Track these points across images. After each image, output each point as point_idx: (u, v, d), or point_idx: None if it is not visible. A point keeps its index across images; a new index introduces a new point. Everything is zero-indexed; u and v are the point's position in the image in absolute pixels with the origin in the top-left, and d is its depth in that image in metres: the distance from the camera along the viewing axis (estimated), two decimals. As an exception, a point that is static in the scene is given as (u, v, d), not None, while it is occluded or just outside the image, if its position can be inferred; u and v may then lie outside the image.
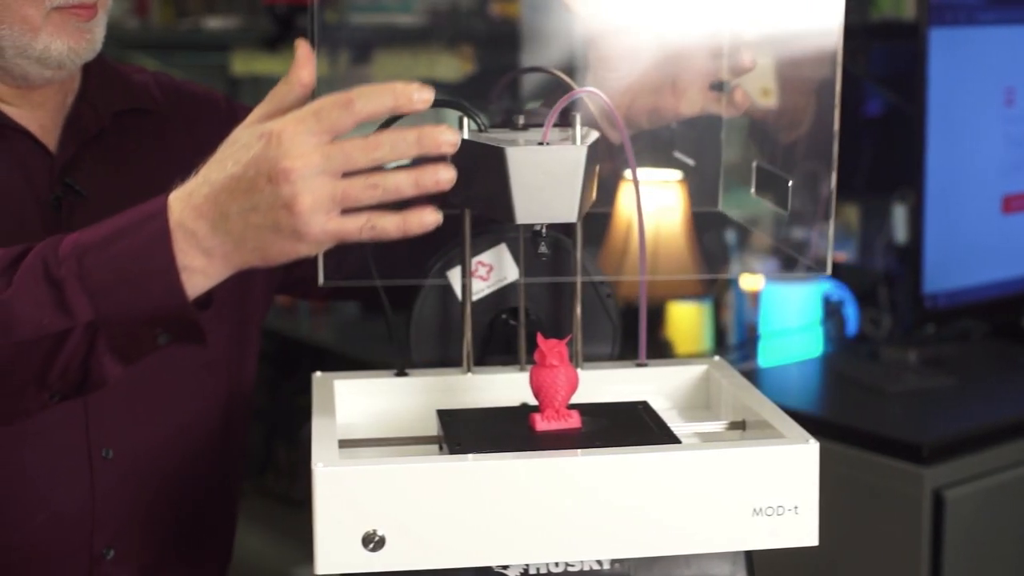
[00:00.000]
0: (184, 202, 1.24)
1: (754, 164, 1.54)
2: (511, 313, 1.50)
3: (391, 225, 1.22)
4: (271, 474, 4.22)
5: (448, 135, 1.22)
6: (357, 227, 1.21)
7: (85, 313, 1.26)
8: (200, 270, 1.25)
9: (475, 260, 1.48)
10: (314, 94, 1.35)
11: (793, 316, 2.90)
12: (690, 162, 1.58)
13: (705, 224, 1.70)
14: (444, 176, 1.22)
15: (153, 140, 1.67)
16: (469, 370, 1.45)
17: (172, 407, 1.63)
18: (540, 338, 1.29)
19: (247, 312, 1.71)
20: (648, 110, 1.54)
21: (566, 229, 1.43)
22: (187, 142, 1.62)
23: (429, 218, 1.23)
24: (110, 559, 1.60)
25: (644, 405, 1.38)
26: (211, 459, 1.70)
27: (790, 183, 1.44)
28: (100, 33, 1.54)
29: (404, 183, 1.22)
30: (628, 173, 1.40)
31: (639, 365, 1.49)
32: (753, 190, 1.55)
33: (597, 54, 1.49)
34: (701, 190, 1.67)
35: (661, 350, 2.91)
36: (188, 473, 1.67)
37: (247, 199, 1.21)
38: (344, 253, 1.29)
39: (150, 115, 1.68)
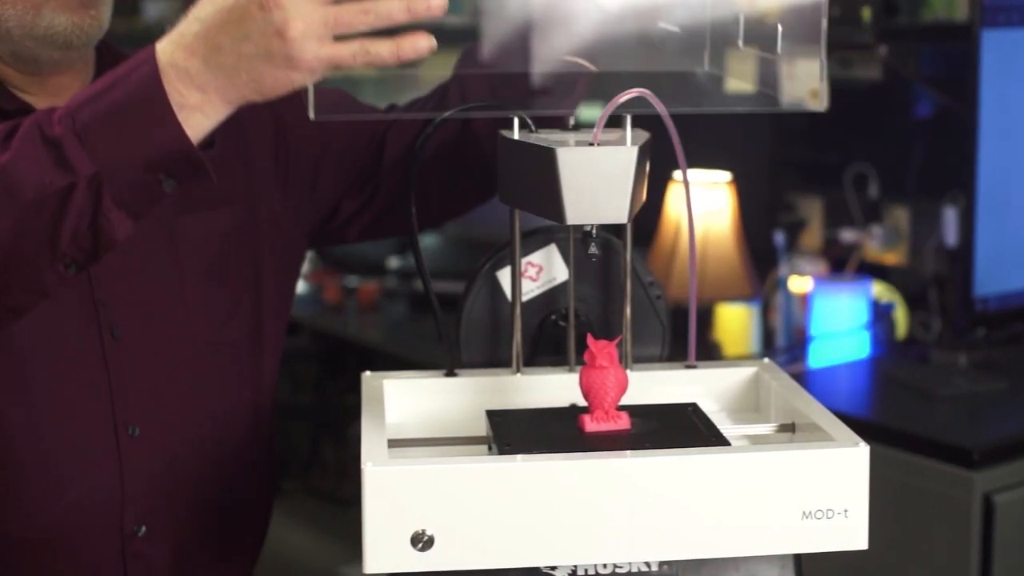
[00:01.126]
0: (175, 43, 1.26)
1: (740, 15, 1.51)
2: (560, 314, 1.50)
3: (385, 51, 1.25)
4: (317, 473, 4.23)
5: None
6: (350, 53, 1.24)
7: (85, 167, 1.26)
8: (197, 107, 1.26)
9: (525, 260, 1.49)
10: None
11: (842, 318, 2.89)
12: (675, 30, 1.56)
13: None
14: (436, 1, 1.25)
15: None
16: (518, 371, 1.46)
17: (194, 387, 1.64)
18: (590, 339, 1.29)
19: (262, 296, 1.71)
20: None
21: (616, 230, 1.43)
22: None
23: (423, 43, 1.26)
24: (142, 536, 1.61)
25: (693, 407, 1.38)
26: (239, 443, 1.70)
27: (779, 26, 1.42)
28: (105, 12, 1.53)
29: (396, 8, 1.25)
30: (678, 174, 1.40)
31: (688, 367, 1.48)
32: (740, 41, 1.52)
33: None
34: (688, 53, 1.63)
35: (710, 352, 2.91)
36: (216, 454, 1.67)
37: (239, 29, 1.22)
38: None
39: None
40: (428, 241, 3.89)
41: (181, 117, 1.25)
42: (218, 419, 1.67)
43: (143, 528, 1.61)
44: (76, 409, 1.56)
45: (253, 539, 1.80)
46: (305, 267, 4.07)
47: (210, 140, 1.30)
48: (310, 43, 1.21)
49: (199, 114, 1.26)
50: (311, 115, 1.30)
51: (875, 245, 3.25)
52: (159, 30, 1.56)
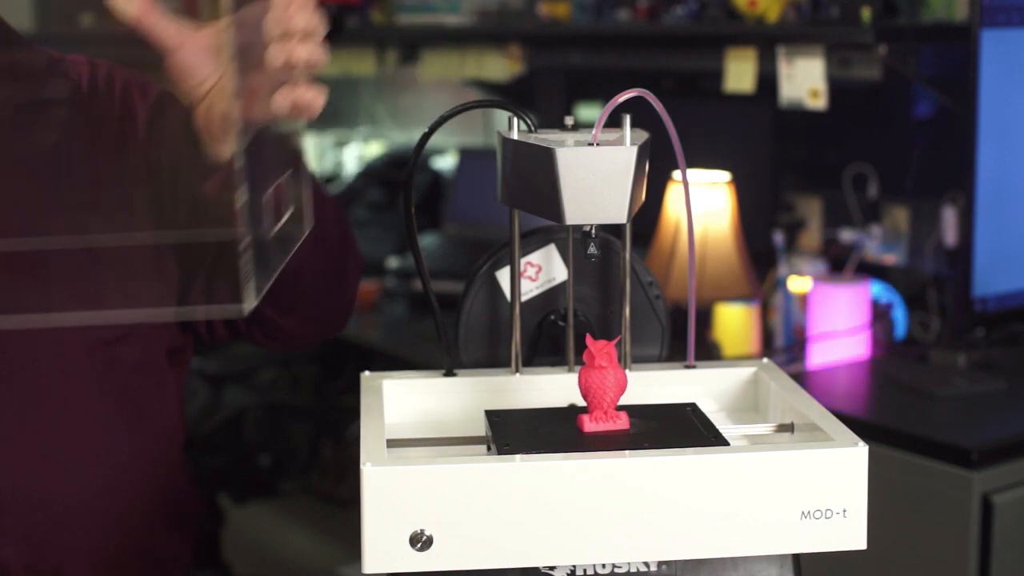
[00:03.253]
0: None
1: None
2: (560, 314, 1.50)
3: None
4: (316, 473, 4.23)
5: None
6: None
7: None
8: None
9: (524, 260, 1.49)
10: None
11: (841, 318, 2.89)
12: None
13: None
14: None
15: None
16: (517, 371, 1.46)
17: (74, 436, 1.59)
18: (589, 339, 1.30)
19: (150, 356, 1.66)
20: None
21: (615, 230, 1.43)
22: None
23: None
24: None
25: (693, 407, 1.38)
26: (133, 494, 1.65)
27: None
28: None
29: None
30: (677, 174, 1.40)
31: (687, 367, 1.49)
32: None
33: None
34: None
35: (709, 352, 2.91)
36: (107, 508, 1.62)
37: None
38: None
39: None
40: (427, 241, 3.89)
41: None
42: (103, 478, 1.61)
43: None
44: None
45: None
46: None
47: None
48: None
49: None
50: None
51: (874, 245, 3.25)
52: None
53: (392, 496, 1.18)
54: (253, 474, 4.05)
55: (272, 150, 1.38)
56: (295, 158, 1.44)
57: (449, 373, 1.47)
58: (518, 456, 1.22)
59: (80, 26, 4.96)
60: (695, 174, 3.01)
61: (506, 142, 1.34)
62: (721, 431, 1.30)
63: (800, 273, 3.11)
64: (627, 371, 1.35)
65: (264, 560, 4.11)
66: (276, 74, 1.32)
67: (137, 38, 1.38)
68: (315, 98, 1.34)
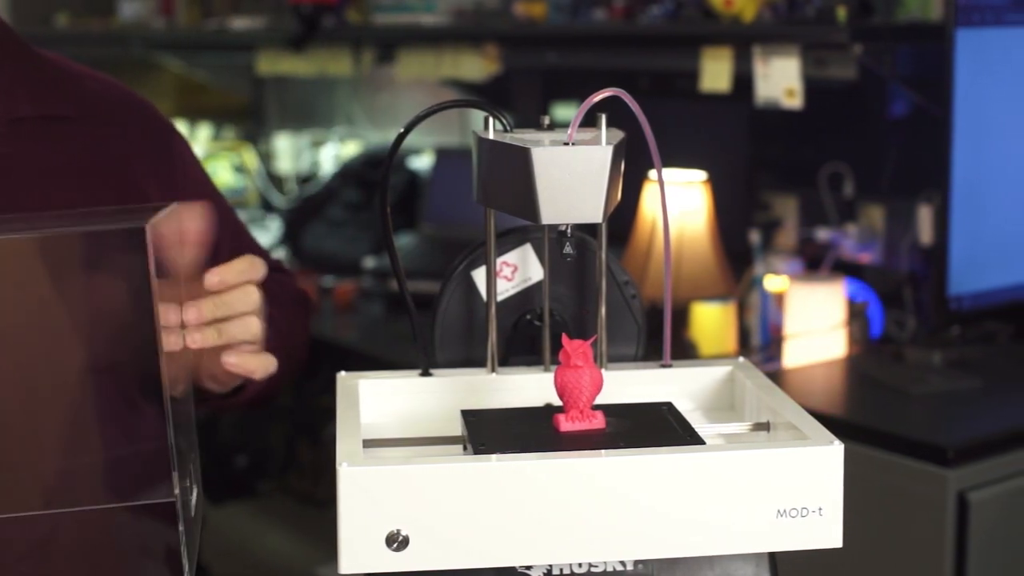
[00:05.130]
0: None
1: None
2: (536, 313, 1.50)
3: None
4: (294, 474, 4.22)
5: None
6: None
7: None
8: None
9: (500, 260, 1.49)
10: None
11: (817, 317, 2.89)
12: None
13: None
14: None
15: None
16: (493, 370, 1.46)
17: None
18: (565, 339, 1.29)
19: None
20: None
21: (591, 229, 1.43)
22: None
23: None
24: None
25: (668, 406, 1.38)
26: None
27: None
28: None
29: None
30: (653, 174, 1.40)
31: (663, 366, 1.49)
32: None
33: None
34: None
35: (685, 351, 2.91)
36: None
37: None
38: None
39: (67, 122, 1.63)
40: (403, 241, 3.89)
41: None
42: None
43: None
44: None
45: None
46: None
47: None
48: None
49: None
50: None
51: (850, 244, 3.25)
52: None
53: (368, 496, 1.18)
54: (230, 475, 4.05)
55: None
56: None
57: (425, 373, 1.47)
58: (494, 456, 1.22)
59: (55, 26, 4.95)
60: (671, 173, 3.01)
61: (482, 142, 1.34)
62: (697, 430, 1.30)
63: (776, 272, 3.12)
64: (603, 370, 1.35)
65: (242, 561, 4.10)
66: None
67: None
68: (255, 370, 1.48)
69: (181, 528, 1.37)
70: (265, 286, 1.53)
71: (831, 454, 1.23)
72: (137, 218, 1.31)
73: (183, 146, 1.74)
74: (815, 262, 3.23)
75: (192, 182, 1.73)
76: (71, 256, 1.36)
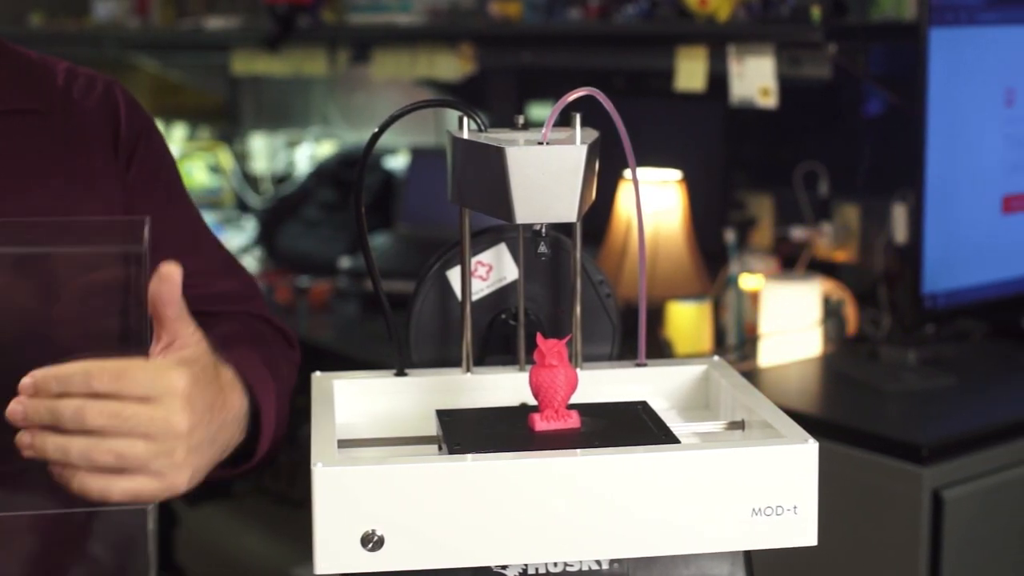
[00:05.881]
0: None
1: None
2: (510, 313, 1.50)
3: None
4: (269, 474, 4.21)
5: None
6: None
7: None
8: None
9: (475, 260, 1.48)
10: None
11: (793, 316, 2.90)
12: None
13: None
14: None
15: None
16: (468, 370, 1.46)
17: None
18: (540, 338, 1.29)
19: None
20: None
21: (566, 229, 1.43)
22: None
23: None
24: None
25: (643, 405, 1.38)
26: None
27: None
28: None
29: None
30: (628, 173, 1.40)
31: (638, 365, 1.49)
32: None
33: None
34: None
35: (661, 350, 2.91)
36: None
37: None
38: None
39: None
40: (378, 241, 3.89)
41: None
42: None
43: None
44: None
45: None
46: (256, 267, 4.07)
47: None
48: None
49: None
50: None
51: (825, 243, 3.26)
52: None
53: (343, 496, 1.18)
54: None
55: None
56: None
57: (400, 373, 1.46)
58: (469, 456, 1.21)
59: (29, 26, 4.94)
60: (647, 173, 3.01)
61: (456, 141, 1.34)
62: (672, 429, 1.31)
63: (751, 271, 3.12)
64: (578, 370, 1.35)
65: (218, 562, 4.09)
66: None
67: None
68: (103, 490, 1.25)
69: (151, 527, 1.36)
70: (258, 350, 1.50)
71: (806, 452, 1.23)
72: (109, 238, 1.30)
73: (158, 145, 1.71)
74: (790, 261, 3.24)
75: (163, 184, 1.70)
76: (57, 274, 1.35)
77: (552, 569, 1.27)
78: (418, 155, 4.07)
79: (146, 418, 1.23)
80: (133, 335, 1.30)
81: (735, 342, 3.01)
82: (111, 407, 1.22)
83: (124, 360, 1.24)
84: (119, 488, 1.24)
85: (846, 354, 2.94)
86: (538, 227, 1.33)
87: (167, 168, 1.71)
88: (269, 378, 1.46)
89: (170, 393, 1.24)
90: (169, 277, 1.28)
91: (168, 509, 3.88)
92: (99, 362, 1.22)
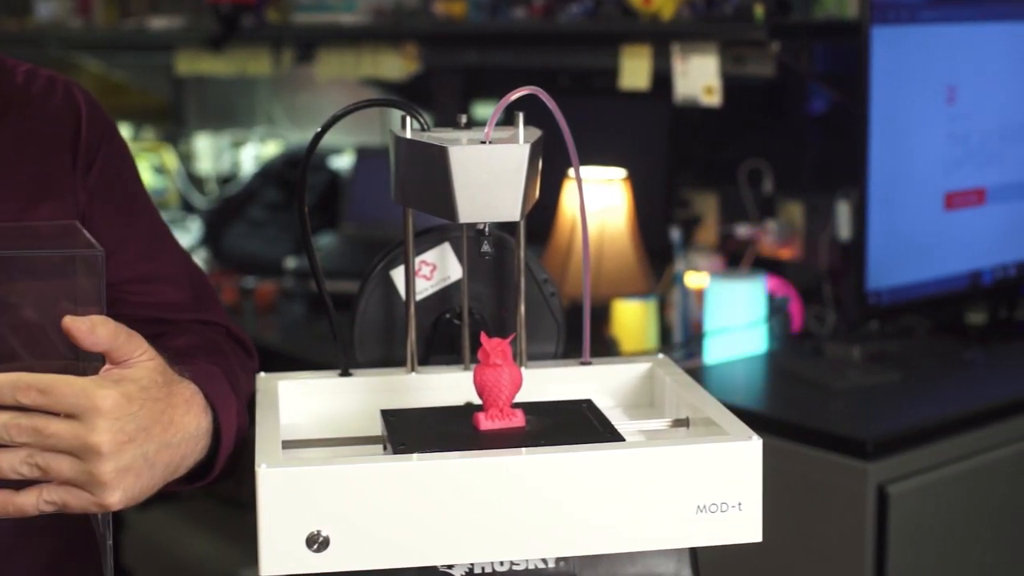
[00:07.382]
0: None
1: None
2: (455, 312, 1.50)
3: None
4: (217, 476, 4.20)
5: None
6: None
7: None
8: None
9: (418, 259, 1.48)
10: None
11: (738, 313, 2.91)
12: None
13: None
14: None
15: None
16: (413, 370, 1.45)
17: None
18: (484, 337, 1.29)
19: None
20: None
21: (510, 228, 1.43)
22: None
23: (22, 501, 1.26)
24: None
25: (588, 403, 1.38)
26: None
27: None
28: None
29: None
30: (572, 171, 1.40)
31: (583, 364, 1.49)
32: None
33: None
34: None
35: (606, 348, 2.92)
36: None
37: None
38: None
39: None
40: (323, 241, 3.88)
41: None
42: None
43: None
44: None
45: None
46: (201, 268, 4.05)
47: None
48: None
49: None
50: None
51: (770, 240, 3.28)
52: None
53: (288, 497, 1.17)
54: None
55: None
56: None
57: (345, 373, 1.46)
58: (414, 455, 1.21)
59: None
60: (591, 171, 3.02)
61: (399, 141, 1.34)
62: (616, 427, 1.31)
63: (697, 269, 3.13)
64: (522, 368, 1.35)
65: (165, 564, 4.07)
66: None
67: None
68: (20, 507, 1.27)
69: (110, 543, 1.36)
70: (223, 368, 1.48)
71: (750, 449, 1.24)
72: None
73: (120, 149, 1.68)
74: (735, 258, 3.25)
75: (124, 188, 1.67)
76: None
77: (499, 568, 1.27)
78: (363, 155, 4.06)
79: (68, 435, 1.23)
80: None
81: (680, 340, 3.02)
82: (35, 422, 1.22)
83: (53, 376, 1.23)
84: (47, 498, 1.27)
85: (791, 351, 2.95)
86: (481, 226, 1.33)
87: (128, 172, 1.69)
88: (231, 394, 1.45)
89: (93, 411, 1.23)
90: (90, 333, 1.26)
91: (115, 513, 3.86)
92: (28, 375, 1.22)
